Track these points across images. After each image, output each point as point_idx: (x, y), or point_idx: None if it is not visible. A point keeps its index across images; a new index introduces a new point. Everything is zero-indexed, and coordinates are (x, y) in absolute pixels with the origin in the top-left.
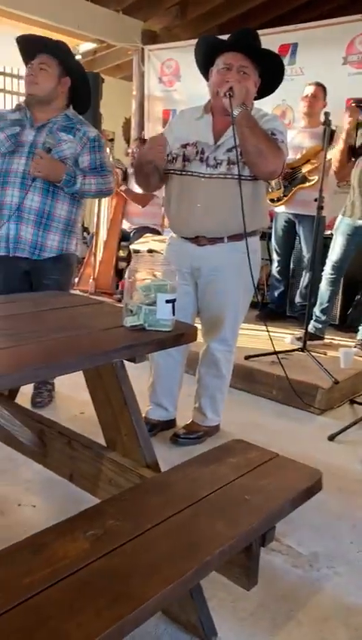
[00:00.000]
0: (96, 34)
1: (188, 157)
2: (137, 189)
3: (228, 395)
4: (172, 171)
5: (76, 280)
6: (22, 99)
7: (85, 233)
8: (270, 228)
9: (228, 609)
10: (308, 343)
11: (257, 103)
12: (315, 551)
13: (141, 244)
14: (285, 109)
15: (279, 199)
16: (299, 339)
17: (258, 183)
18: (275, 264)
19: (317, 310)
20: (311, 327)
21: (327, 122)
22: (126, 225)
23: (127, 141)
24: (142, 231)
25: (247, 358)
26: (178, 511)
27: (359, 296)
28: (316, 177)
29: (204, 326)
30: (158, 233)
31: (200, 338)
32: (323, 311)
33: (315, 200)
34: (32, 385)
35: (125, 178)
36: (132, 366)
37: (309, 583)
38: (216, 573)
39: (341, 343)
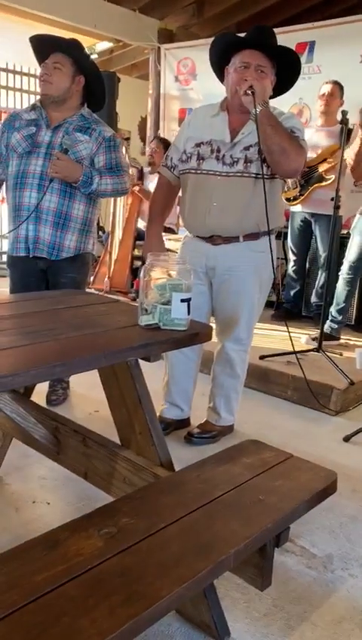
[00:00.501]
0: (113, 33)
1: (203, 155)
2: (152, 189)
3: (242, 395)
4: (186, 170)
5: (91, 279)
6: (37, 98)
7: (101, 232)
8: (286, 227)
9: (241, 609)
10: (324, 343)
11: (273, 102)
12: (329, 553)
13: None
14: (302, 107)
15: (295, 198)
16: (314, 339)
17: (274, 181)
18: (291, 263)
19: (333, 310)
20: (326, 328)
21: (344, 121)
22: (141, 224)
23: (143, 140)
24: None
25: (262, 357)
26: (192, 510)
27: None
28: (332, 176)
29: (218, 325)
30: (173, 232)
31: (214, 338)
32: (339, 311)
33: (332, 199)
34: (47, 383)
35: (141, 177)
36: (146, 364)
37: (323, 585)
38: (230, 573)
39: (357, 343)
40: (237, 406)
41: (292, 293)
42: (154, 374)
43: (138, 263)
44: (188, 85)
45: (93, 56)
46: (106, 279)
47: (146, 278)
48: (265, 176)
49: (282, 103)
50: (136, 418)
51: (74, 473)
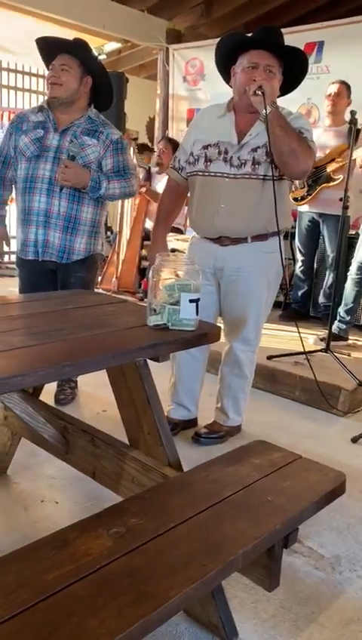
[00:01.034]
0: (121, 34)
1: (210, 157)
2: (159, 189)
3: (250, 396)
4: (194, 172)
5: (99, 279)
6: (45, 98)
7: (108, 232)
8: (293, 227)
9: (249, 610)
10: (332, 343)
11: (281, 102)
12: (337, 554)
13: None
14: (310, 107)
15: (303, 198)
16: (322, 339)
17: (282, 182)
18: (299, 264)
19: (341, 310)
20: (334, 328)
21: (353, 121)
22: (149, 224)
23: (151, 140)
24: None
25: (270, 358)
26: (200, 511)
27: None
28: (341, 176)
29: (226, 326)
30: (181, 232)
31: (222, 338)
32: (347, 311)
33: (340, 199)
34: (55, 382)
35: (148, 178)
36: (153, 364)
37: (331, 586)
38: (238, 573)
39: None
40: (244, 406)
41: (300, 293)
42: (161, 374)
43: (146, 263)
44: (196, 85)
45: (102, 57)
46: (114, 279)
47: (155, 278)
48: (274, 178)
49: (290, 103)
50: (144, 418)
51: (82, 473)
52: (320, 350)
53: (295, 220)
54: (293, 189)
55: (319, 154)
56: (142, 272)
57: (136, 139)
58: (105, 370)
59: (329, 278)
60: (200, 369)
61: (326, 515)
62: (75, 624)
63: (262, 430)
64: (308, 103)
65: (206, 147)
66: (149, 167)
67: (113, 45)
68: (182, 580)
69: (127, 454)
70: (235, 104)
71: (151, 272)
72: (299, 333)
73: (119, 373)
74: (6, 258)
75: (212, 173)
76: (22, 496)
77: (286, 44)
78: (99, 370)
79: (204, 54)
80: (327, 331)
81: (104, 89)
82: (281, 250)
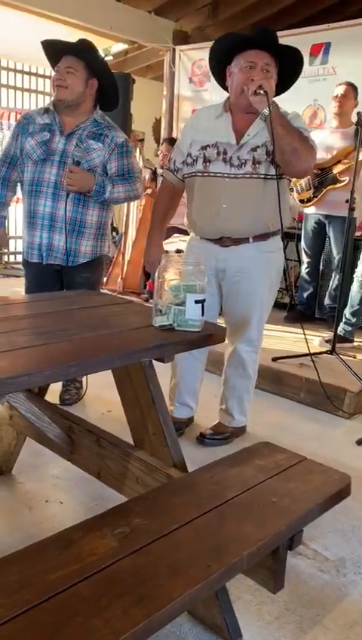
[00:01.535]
0: (128, 35)
1: (209, 158)
2: None
3: (255, 397)
4: (193, 174)
5: (104, 279)
6: (51, 99)
7: (114, 233)
8: (299, 229)
9: (253, 612)
10: (338, 345)
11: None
12: (342, 556)
13: (169, 245)
14: (316, 109)
15: (309, 200)
16: (327, 341)
17: (282, 181)
18: (304, 265)
19: (347, 312)
20: (340, 330)
21: (360, 122)
22: None
23: (157, 141)
24: (170, 231)
25: (275, 359)
26: (205, 511)
27: None
28: (347, 178)
29: (229, 327)
30: (187, 233)
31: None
32: (353, 313)
33: (346, 201)
34: (61, 382)
35: (154, 179)
36: (153, 365)
37: (336, 589)
38: (242, 575)
39: None
40: (249, 407)
41: (305, 295)
42: (159, 375)
43: None
44: (202, 87)
45: (108, 58)
46: (119, 280)
47: (160, 279)
48: (274, 177)
49: (297, 105)
50: (149, 418)
51: (87, 473)
52: (326, 352)
53: (301, 222)
54: (299, 191)
55: (325, 155)
56: (148, 273)
57: (142, 140)
58: (110, 370)
59: (334, 279)
60: (200, 368)
61: (331, 518)
62: (79, 624)
63: (266, 432)
64: (314, 104)
65: (204, 148)
66: (155, 168)
67: (120, 46)
68: (186, 580)
69: (132, 455)
70: (232, 104)
71: (157, 272)
72: (304, 334)
73: (124, 374)
74: (12, 258)
75: (212, 174)
76: (26, 496)
77: (291, 45)
78: (104, 371)
79: None
80: (333, 333)
81: (110, 90)
82: (284, 249)
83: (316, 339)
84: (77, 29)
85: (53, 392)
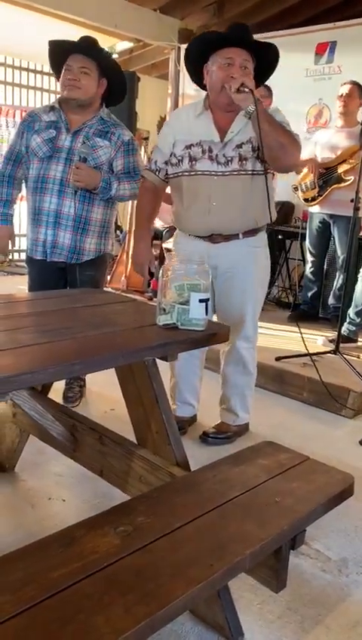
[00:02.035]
0: (134, 33)
1: (195, 157)
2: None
3: (258, 396)
4: (179, 173)
5: (108, 277)
6: (49, 96)
7: (118, 231)
8: (304, 228)
9: (255, 611)
10: (341, 345)
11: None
12: (344, 556)
13: (169, 244)
14: (322, 108)
15: (314, 199)
16: (331, 341)
17: (269, 176)
18: (309, 265)
19: (351, 312)
20: (344, 330)
21: None
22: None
23: None
24: (174, 230)
25: (278, 359)
26: (208, 510)
27: None
28: (352, 177)
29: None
30: None
31: None
32: (357, 313)
33: (351, 200)
34: (64, 380)
35: None
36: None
37: (338, 589)
38: (244, 574)
39: None
40: (251, 403)
41: (309, 294)
42: (162, 374)
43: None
44: None
45: (113, 56)
46: (123, 278)
47: (164, 277)
48: (261, 172)
49: (301, 103)
50: (152, 417)
51: (90, 471)
52: (330, 352)
53: (305, 221)
54: (304, 190)
55: (331, 154)
56: (151, 272)
57: (147, 138)
58: (113, 368)
59: (339, 279)
60: (198, 365)
61: (334, 518)
62: (82, 621)
63: (269, 431)
64: (319, 103)
65: (188, 147)
66: None
67: (125, 44)
68: (188, 579)
69: (135, 453)
70: (212, 102)
71: (161, 271)
72: (300, 333)
73: (128, 372)
74: (16, 256)
75: (199, 172)
76: (29, 494)
77: (298, 43)
78: (108, 369)
79: None
80: (337, 333)
81: (118, 88)
82: (288, 249)
83: (320, 338)
84: (82, 26)
85: (57, 391)
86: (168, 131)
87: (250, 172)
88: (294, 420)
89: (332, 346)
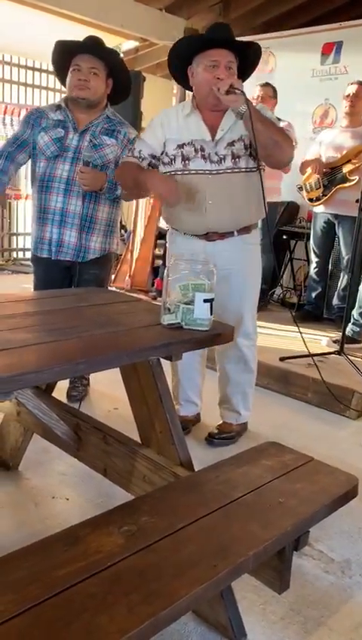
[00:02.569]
0: (139, 32)
1: (188, 156)
2: None
3: (263, 397)
4: (172, 172)
5: (113, 277)
6: (54, 95)
7: (123, 231)
8: (308, 228)
9: (257, 612)
10: (346, 346)
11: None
12: (348, 558)
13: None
14: (328, 108)
15: (318, 199)
16: (335, 341)
17: (261, 172)
18: (313, 265)
19: (355, 313)
20: (348, 330)
21: None
22: (163, 223)
23: None
24: None
25: (282, 359)
26: (211, 511)
27: None
28: (357, 177)
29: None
30: None
31: None
32: None
33: (356, 201)
34: (68, 379)
35: None
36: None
37: (341, 590)
38: (247, 574)
39: None
40: (252, 401)
41: (314, 295)
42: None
43: (159, 262)
44: None
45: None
46: (127, 278)
47: (169, 277)
48: (254, 169)
49: (308, 104)
50: (156, 417)
51: (93, 470)
52: (334, 352)
53: (309, 222)
54: (309, 190)
55: (335, 154)
56: (156, 271)
57: None
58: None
59: (343, 280)
60: (199, 362)
61: (337, 519)
62: (85, 621)
63: (273, 431)
64: (325, 103)
65: (181, 146)
66: None
67: (131, 44)
68: (192, 579)
69: (139, 452)
70: (198, 103)
71: (166, 270)
72: (300, 333)
73: (132, 372)
74: (20, 255)
75: (193, 171)
76: (32, 492)
77: (304, 43)
78: (112, 368)
79: None
80: (341, 333)
81: (123, 87)
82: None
83: (324, 339)
84: (87, 25)
85: (60, 389)
86: (156, 127)
87: (243, 169)
88: (298, 420)
89: (336, 347)
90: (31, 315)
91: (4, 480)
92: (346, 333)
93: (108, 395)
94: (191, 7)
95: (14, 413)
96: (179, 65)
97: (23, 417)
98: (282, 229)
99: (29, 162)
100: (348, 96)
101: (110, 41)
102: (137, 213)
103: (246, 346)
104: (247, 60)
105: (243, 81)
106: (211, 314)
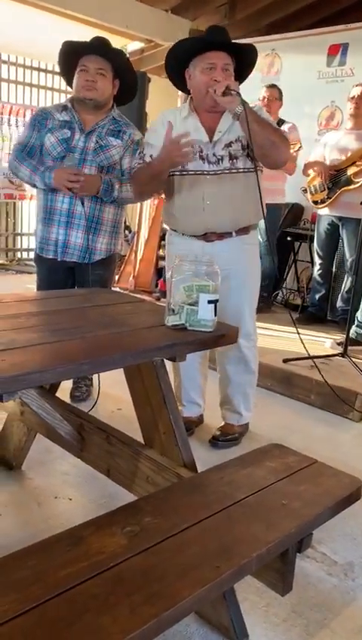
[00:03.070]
0: (145, 33)
1: None
2: None
3: (266, 398)
4: (171, 173)
5: (116, 277)
6: (60, 96)
7: (127, 231)
8: (312, 230)
9: (260, 613)
10: (349, 348)
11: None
12: (351, 560)
13: None
14: (334, 110)
15: (323, 201)
16: (339, 344)
17: (259, 173)
18: (317, 267)
19: (359, 315)
20: (352, 332)
21: None
22: None
23: None
24: None
25: (286, 361)
26: (215, 512)
27: None
28: (361, 180)
29: None
30: None
31: None
32: None
33: (361, 203)
34: (71, 379)
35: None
36: None
37: (344, 593)
38: (250, 576)
39: None
40: (253, 401)
41: (317, 297)
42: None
43: (163, 263)
44: None
45: None
46: (131, 278)
47: (173, 278)
48: (251, 170)
49: (313, 106)
50: (160, 418)
51: (96, 470)
52: (338, 355)
53: (314, 223)
54: (313, 192)
55: (340, 157)
56: (159, 272)
57: None
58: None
59: (347, 282)
60: (201, 363)
61: (340, 521)
62: (88, 621)
63: (276, 433)
64: (331, 105)
65: None
66: None
67: (136, 45)
68: (195, 581)
69: (142, 453)
70: (196, 105)
71: (170, 271)
72: (298, 334)
73: (136, 372)
74: (24, 255)
75: (191, 172)
76: (36, 492)
77: (309, 44)
78: (116, 369)
79: None
80: (345, 336)
81: (129, 88)
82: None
83: (328, 341)
84: (93, 27)
85: (64, 390)
86: (160, 128)
87: (241, 170)
88: (301, 422)
89: (340, 349)
90: (35, 315)
91: (7, 480)
92: (350, 335)
93: (111, 395)
94: (196, 8)
95: (18, 413)
96: (176, 67)
97: (27, 417)
98: (286, 231)
99: None
100: (352, 98)
101: (116, 42)
102: (141, 214)
103: (247, 347)
104: (244, 62)
105: (241, 83)
106: (215, 315)
